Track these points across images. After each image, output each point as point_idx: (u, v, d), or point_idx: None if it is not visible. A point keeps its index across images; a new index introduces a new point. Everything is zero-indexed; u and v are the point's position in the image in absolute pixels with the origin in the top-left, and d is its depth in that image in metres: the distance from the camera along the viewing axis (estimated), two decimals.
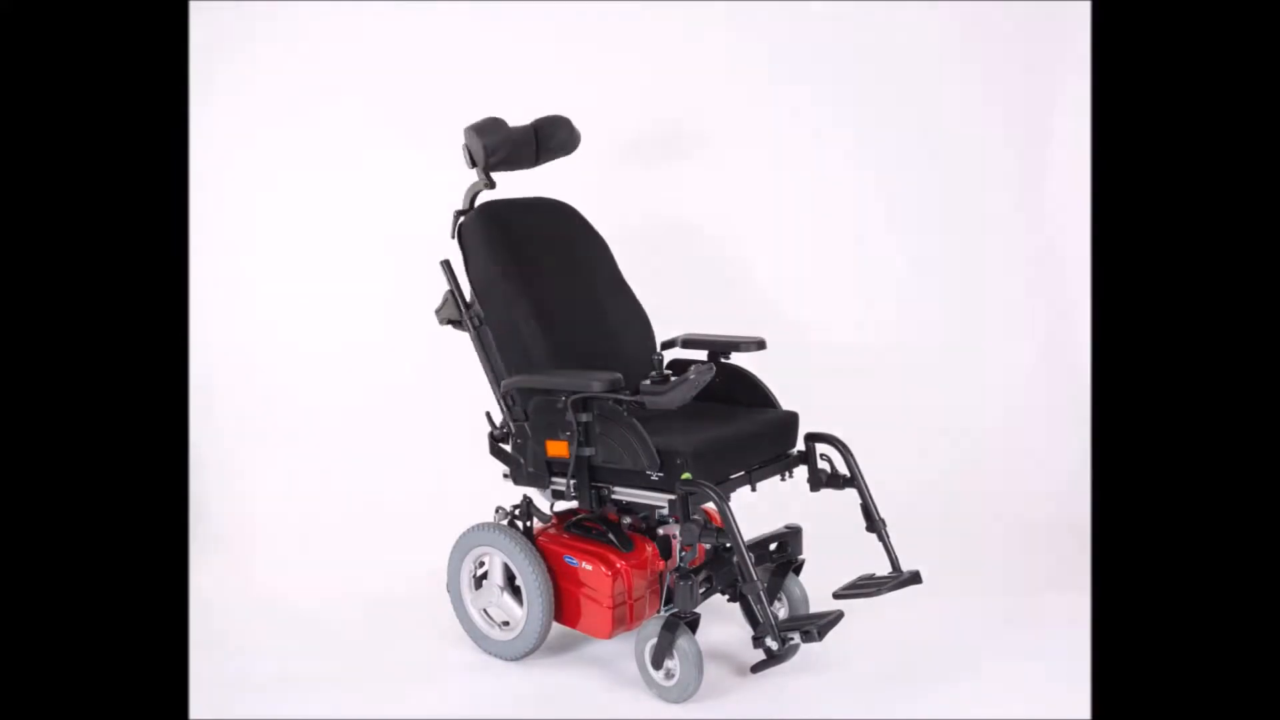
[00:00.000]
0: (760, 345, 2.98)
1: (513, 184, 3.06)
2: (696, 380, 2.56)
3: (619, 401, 2.58)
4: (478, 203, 2.96)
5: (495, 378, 2.88)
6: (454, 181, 3.99)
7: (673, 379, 2.59)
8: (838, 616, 2.50)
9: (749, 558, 2.47)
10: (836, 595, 2.67)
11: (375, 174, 4.22)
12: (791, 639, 2.49)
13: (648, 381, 2.59)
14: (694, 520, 2.53)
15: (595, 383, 2.56)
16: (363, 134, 4.20)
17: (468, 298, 2.92)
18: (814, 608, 2.90)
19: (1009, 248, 4.23)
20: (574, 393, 2.60)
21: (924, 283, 4.28)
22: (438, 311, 2.95)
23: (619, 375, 2.58)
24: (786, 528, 2.84)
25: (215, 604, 3.30)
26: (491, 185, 2.90)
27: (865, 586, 2.69)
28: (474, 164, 2.89)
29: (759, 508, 2.89)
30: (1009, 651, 2.84)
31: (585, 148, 3.11)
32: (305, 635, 3.10)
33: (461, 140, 2.91)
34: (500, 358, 2.85)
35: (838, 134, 4.23)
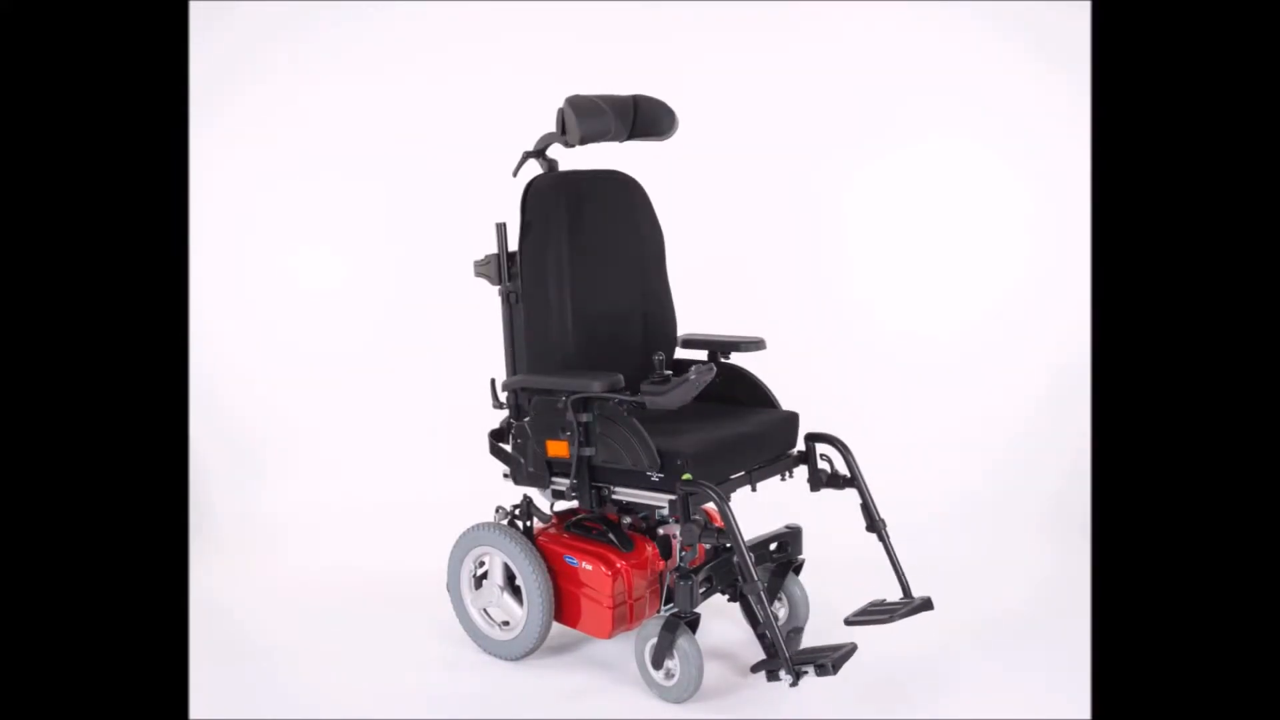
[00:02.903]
0: (760, 345, 2.97)
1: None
2: (697, 380, 2.56)
3: (619, 402, 2.59)
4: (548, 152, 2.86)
5: (513, 356, 2.85)
6: (456, 181, 4.03)
7: (673, 379, 2.59)
8: (852, 649, 2.44)
9: (749, 558, 2.47)
10: (848, 622, 2.64)
11: (376, 175, 4.23)
12: (805, 672, 2.42)
13: (648, 382, 2.59)
14: (694, 520, 2.52)
15: (595, 383, 2.56)
16: (364, 134, 4.21)
17: (511, 266, 2.80)
18: (814, 611, 2.90)
19: (1011, 250, 4.23)
20: (574, 393, 2.60)
21: (926, 284, 4.28)
22: (477, 264, 2.84)
23: (619, 376, 2.58)
24: (786, 528, 2.84)
25: (215, 604, 3.30)
26: (570, 146, 2.78)
27: (877, 613, 2.65)
28: (563, 132, 2.77)
29: (759, 508, 2.89)
30: (1009, 652, 2.84)
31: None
32: (305, 635, 3.10)
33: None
34: (524, 342, 2.80)
35: (846, 135, 4.24)
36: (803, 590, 2.90)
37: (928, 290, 4.27)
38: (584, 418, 2.61)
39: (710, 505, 2.54)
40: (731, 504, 2.50)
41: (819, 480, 2.87)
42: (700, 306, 3.19)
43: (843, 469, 2.84)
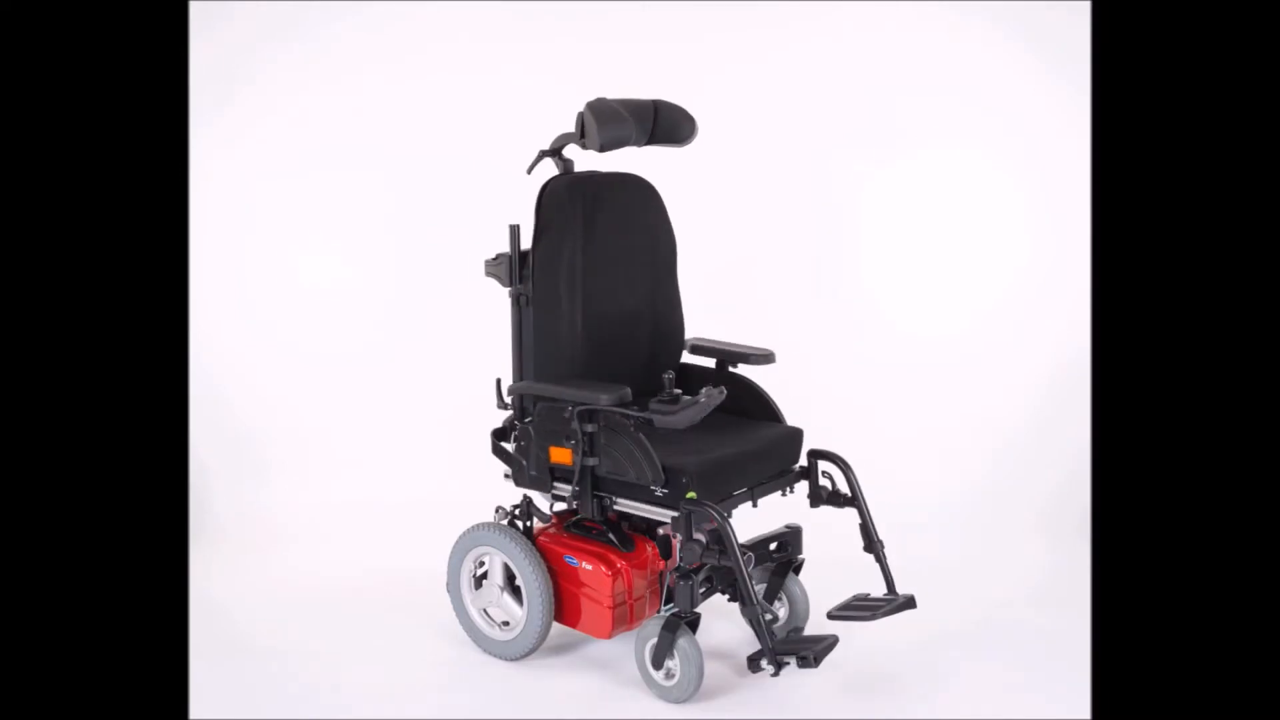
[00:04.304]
0: (769, 358, 2.94)
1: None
2: (706, 404, 2.54)
3: (626, 416, 2.58)
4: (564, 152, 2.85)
5: (519, 359, 2.84)
6: (458, 180, 4.03)
7: (683, 399, 2.58)
8: (833, 642, 2.49)
9: (750, 582, 2.46)
10: (831, 616, 2.64)
11: (379, 174, 4.22)
12: (787, 663, 2.47)
13: (656, 400, 2.58)
14: (696, 540, 2.52)
15: (603, 396, 2.55)
16: (367, 133, 4.21)
17: (523, 269, 2.78)
18: (813, 611, 2.90)
19: (1011, 250, 4.23)
20: (581, 404, 2.60)
21: (925, 284, 4.28)
22: (488, 263, 2.82)
23: (627, 390, 2.57)
24: (786, 527, 2.84)
25: (215, 604, 3.30)
26: (587, 148, 2.75)
27: (860, 609, 2.65)
28: (582, 137, 2.74)
29: (758, 507, 2.89)
30: (1009, 651, 2.84)
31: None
32: (305, 635, 3.10)
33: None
34: (533, 346, 2.79)
35: (846, 135, 4.24)
36: (803, 590, 2.90)
37: (927, 290, 4.27)
38: (589, 428, 2.60)
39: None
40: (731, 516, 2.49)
41: (819, 497, 2.85)
42: (703, 306, 3.19)
43: (844, 487, 2.83)
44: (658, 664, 2.60)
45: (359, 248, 4.28)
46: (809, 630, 2.83)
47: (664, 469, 2.52)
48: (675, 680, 2.59)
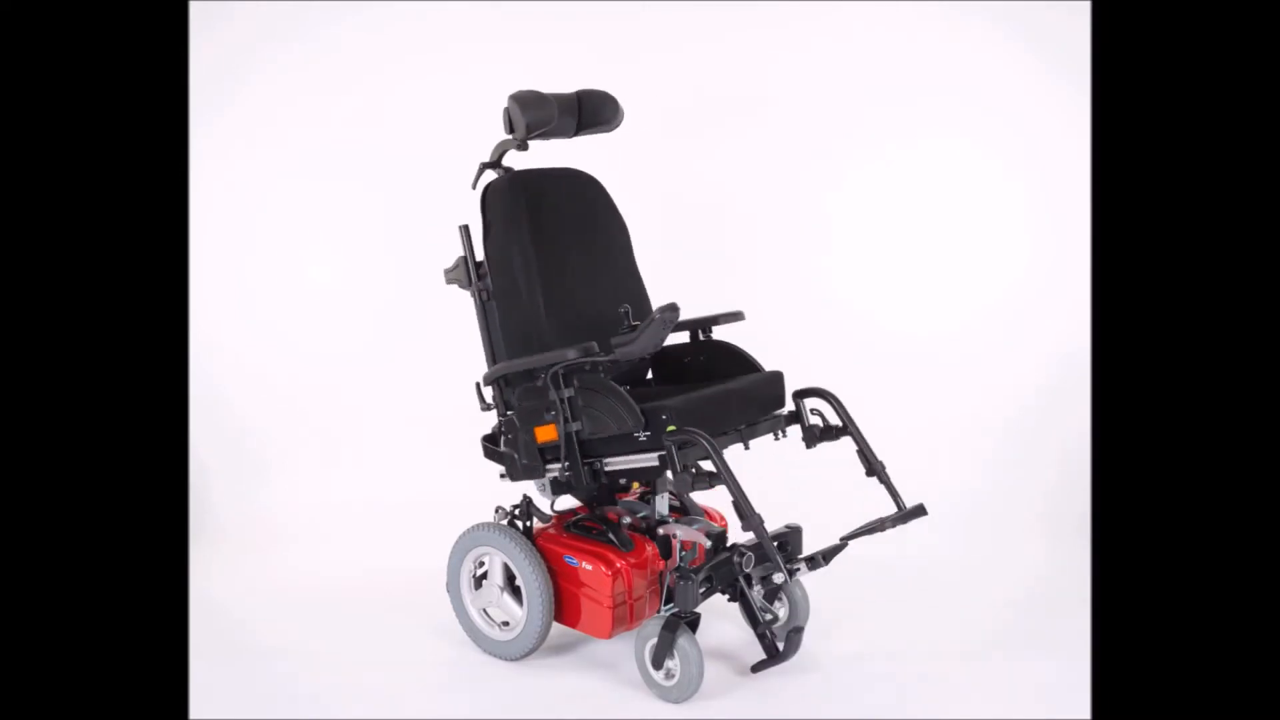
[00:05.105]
0: (739, 316, 3.00)
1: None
2: (662, 320, 2.56)
3: (594, 366, 2.59)
4: (504, 160, 2.90)
5: (492, 353, 2.88)
6: (457, 179, 4.02)
7: (639, 325, 2.63)
8: (841, 545, 2.55)
9: (745, 496, 2.45)
10: (844, 538, 2.64)
11: (378, 174, 4.23)
12: (798, 569, 2.52)
13: (616, 337, 2.61)
14: (687, 470, 2.51)
15: (570, 351, 2.57)
16: (365, 133, 4.21)
17: (479, 267, 2.86)
18: (814, 610, 2.90)
19: (1010, 250, 4.23)
20: (551, 365, 2.60)
21: (925, 284, 4.28)
22: (447, 271, 2.90)
23: (593, 343, 2.59)
24: (787, 527, 2.84)
25: (215, 604, 3.30)
26: (524, 148, 2.85)
27: (871, 527, 2.64)
28: (511, 131, 2.83)
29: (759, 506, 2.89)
30: (1009, 651, 2.84)
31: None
32: (305, 635, 3.10)
33: (503, 106, 2.84)
34: (501, 337, 2.83)
35: (847, 134, 4.24)
36: (803, 590, 2.90)
37: (927, 289, 4.27)
38: (566, 393, 2.62)
39: (708, 505, 2.53)
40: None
41: (813, 436, 2.84)
42: (697, 307, 3.19)
43: (835, 420, 2.83)
44: (658, 664, 2.61)
45: (359, 247, 4.28)
46: (810, 633, 2.84)
47: (644, 413, 2.53)
48: (675, 680, 2.59)
